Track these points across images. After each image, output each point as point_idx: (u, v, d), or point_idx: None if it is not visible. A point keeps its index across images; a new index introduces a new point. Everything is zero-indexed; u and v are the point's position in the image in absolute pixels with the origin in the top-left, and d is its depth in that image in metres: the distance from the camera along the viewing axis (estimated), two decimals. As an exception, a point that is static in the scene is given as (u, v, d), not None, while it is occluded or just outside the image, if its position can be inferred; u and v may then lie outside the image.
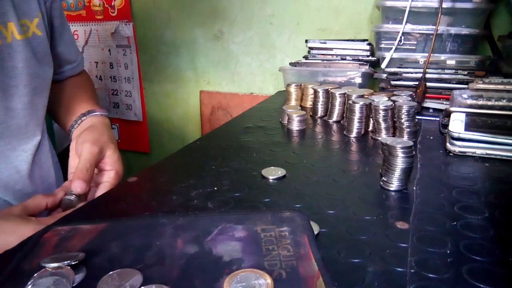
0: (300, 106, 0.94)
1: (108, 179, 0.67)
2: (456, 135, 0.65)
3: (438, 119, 0.80)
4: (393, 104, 0.72)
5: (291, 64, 1.09)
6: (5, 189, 0.67)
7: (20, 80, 0.66)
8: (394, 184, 0.52)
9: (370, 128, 0.76)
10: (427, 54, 0.89)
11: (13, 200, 0.68)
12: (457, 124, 0.67)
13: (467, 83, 0.85)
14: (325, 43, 1.10)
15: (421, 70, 0.89)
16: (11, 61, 0.64)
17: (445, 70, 0.91)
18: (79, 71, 0.89)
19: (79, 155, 0.65)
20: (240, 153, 0.67)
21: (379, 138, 0.71)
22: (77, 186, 0.60)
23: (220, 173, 0.59)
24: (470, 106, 0.73)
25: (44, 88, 0.73)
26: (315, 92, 0.87)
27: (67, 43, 0.82)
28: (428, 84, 0.89)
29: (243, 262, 0.35)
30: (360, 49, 1.08)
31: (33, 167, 0.73)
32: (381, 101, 0.73)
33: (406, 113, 0.70)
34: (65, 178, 0.75)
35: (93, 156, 0.64)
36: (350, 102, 0.75)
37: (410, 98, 0.79)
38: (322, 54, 1.10)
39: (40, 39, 0.69)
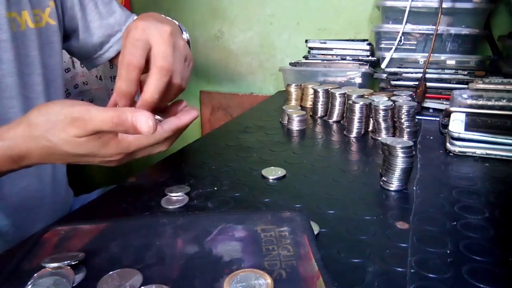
0: (300, 106, 0.94)
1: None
2: (456, 135, 0.65)
3: (438, 119, 0.80)
4: (393, 104, 0.72)
5: (291, 64, 1.09)
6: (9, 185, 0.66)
7: (34, 69, 0.66)
8: (394, 184, 0.52)
9: (370, 128, 0.76)
10: (427, 54, 0.89)
11: (14, 197, 0.67)
12: (457, 124, 0.67)
13: (467, 83, 0.85)
14: (325, 43, 1.10)
15: (421, 70, 0.89)
16: (24, 49, 0.64)
17: (445, 70, 0.91)
18: None
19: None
20: (240, 153, 0.67)
21: (379, 138, 0.71)
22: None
23: (220, 173, 0.59)
24: (470, 106, 0.73)
25: (57, 80, 0.72)
26: (315, 92, 0.87)
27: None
28: (428, 84, 0.89)
29: (243, 262, 0.35)
30: (360, 49, 1.07)
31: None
32: (381, 101, 0.73)
33: (406, 113, 0.70)
34: (71, 178, 0.70)
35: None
36: (350, 102, 0.75)
37: (410, 98, 0.79)
38: (322, 54, 1.10)
39: (54, 29, 0.69)
